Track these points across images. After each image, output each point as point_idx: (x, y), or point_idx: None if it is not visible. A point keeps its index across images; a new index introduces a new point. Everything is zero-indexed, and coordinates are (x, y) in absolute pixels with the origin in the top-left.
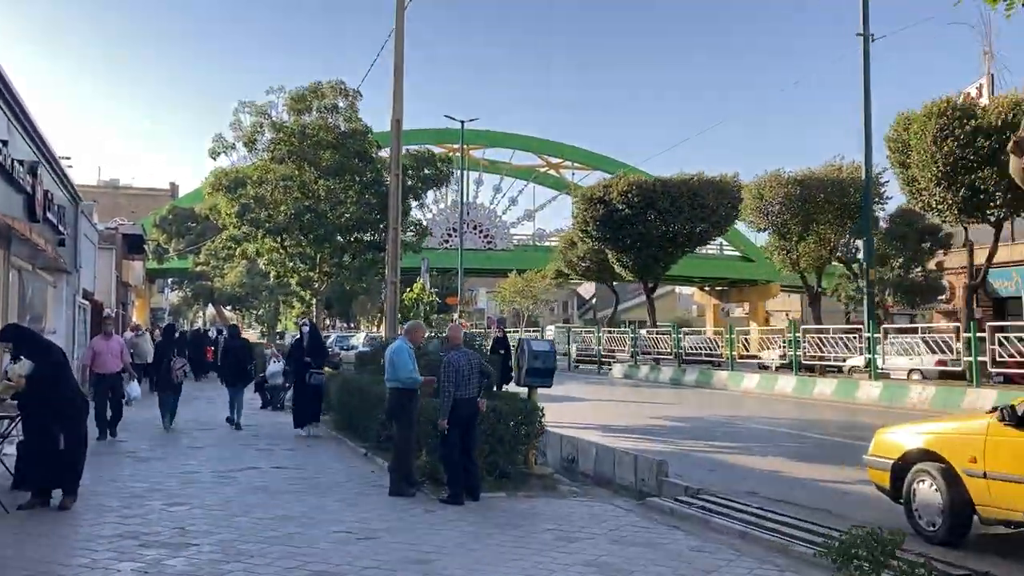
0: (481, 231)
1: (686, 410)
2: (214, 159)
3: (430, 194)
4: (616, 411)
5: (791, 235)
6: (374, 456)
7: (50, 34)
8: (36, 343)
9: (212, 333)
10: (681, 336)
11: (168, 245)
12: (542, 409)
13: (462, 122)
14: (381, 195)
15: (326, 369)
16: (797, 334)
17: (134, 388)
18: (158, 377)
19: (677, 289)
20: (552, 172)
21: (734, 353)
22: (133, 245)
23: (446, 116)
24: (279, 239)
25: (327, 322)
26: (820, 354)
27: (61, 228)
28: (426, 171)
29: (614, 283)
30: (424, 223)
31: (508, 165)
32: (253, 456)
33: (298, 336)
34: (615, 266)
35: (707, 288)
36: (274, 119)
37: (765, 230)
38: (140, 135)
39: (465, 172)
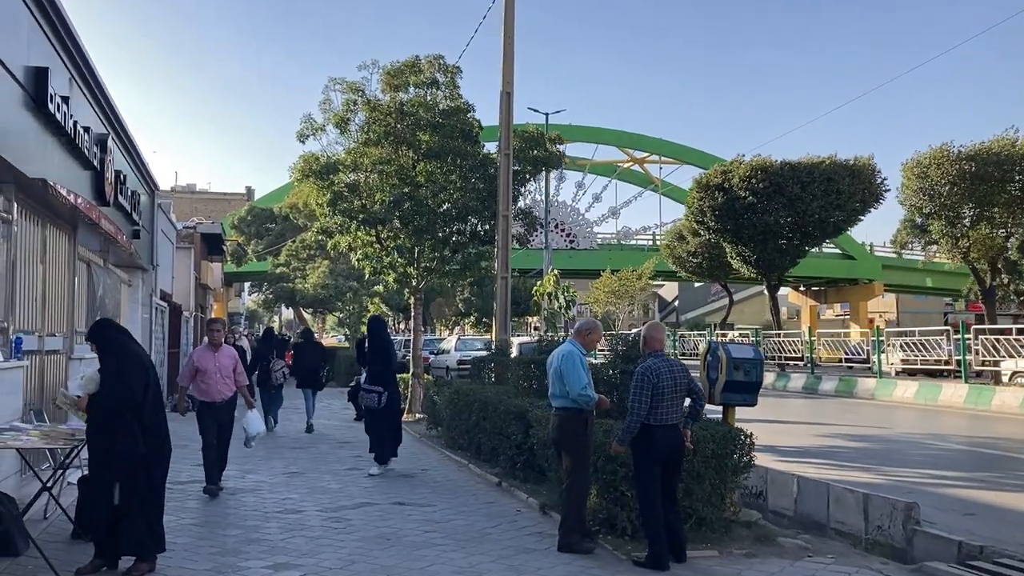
0: (563, 230)
1: (851, 425)
2: (302, 142)
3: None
4: (766, 427)
5: (961, 219)
6: (511, 487)
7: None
8: (125, 353)
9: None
10: (815, 339)
11: (247, 247)
12: (751, 435)
13: (546, 115)
14: (488, 179)
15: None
16: (967, 336)
17: (254, 421)
18: (258, 378)
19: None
20: (636, 167)
21: (882, 358)
22: (212, 246)
23: (530, 109)
24: (375, 230)
25: (400, 326)
26: (995, 358)
27: (135, 217)
28: (535, 152)
29: (727, 281)
30: (534, 212)
31: (589, 162)
32: (364, 486)
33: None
34: (733, 261)
35: (802, 288)
36: (368, 97)
37: (929, 215)
38: (217, 142)
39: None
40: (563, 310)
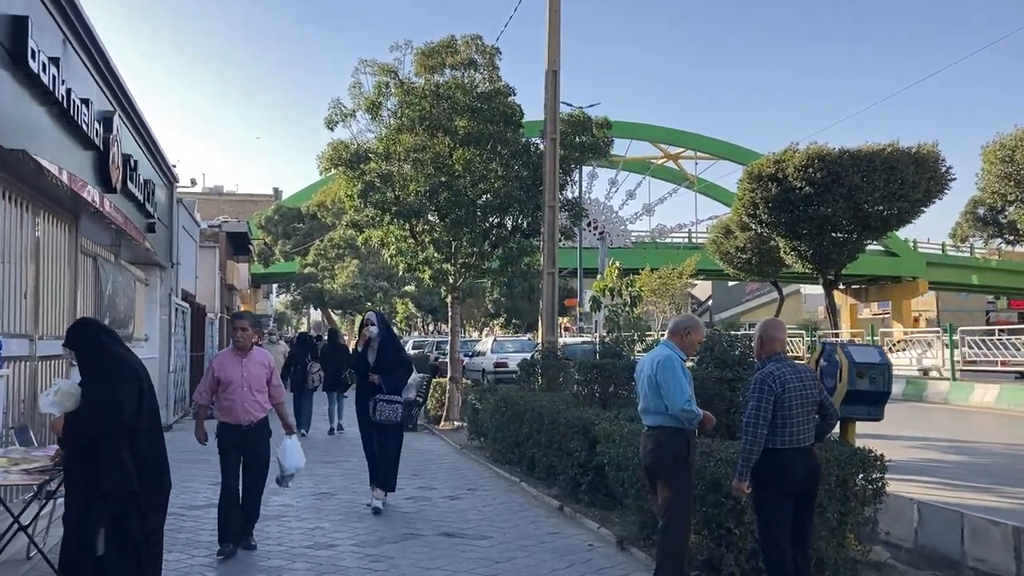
0: (595, 227)
1: (936, 435)
2: (331, 130)
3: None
4: None
5: None
6: (576, 513)
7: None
8: (112, 359)
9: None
10: (877, 339)
11: (274, 247)
12: (882, 456)
13: (580, 108)
14: (532, 167)
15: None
16: None
17: (293, 453)
18: (292, 380)
19: (803, 288)
20: (671, 164)
21: (956, 360)
22: (239, 246)
23: (563, 103)
24: (409, 224)
25: (430, 327)
26: None
27: (149, 209)
28: (581, 138)
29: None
30: (580, 203)
31: (622, 158)
32: (404, 512)
33: (366, 340)
34: (787, 256)
35: (842, 286)
36: (401, 79)
37: (1013, 203)
38: (245, 147)
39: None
40: (627, 308)
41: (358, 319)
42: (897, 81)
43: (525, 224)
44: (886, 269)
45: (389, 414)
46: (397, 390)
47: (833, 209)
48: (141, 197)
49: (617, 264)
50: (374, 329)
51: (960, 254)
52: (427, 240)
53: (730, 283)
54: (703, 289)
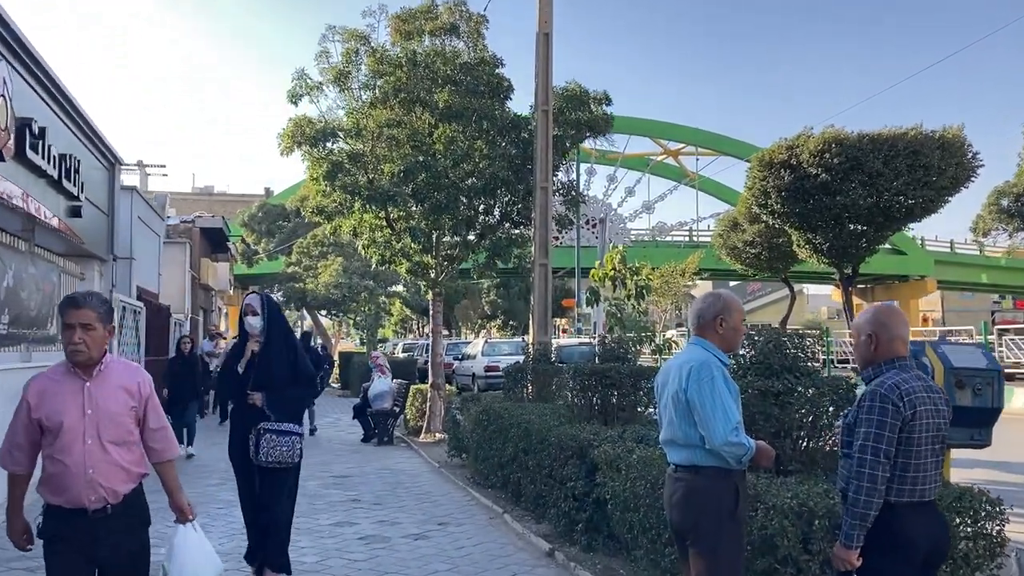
0: (593, 225)
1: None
2: (294, 104)
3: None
4: None
5: None
6: (570, 561)
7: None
8: None
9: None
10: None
11: (257, 246)
12: (998, 500)
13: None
14: (521, 145)
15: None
16: None
17: (190, 557)
18: None
19: (806, 288)
20: (671, 160)
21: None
22: (216, 243)
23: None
24: (383, 210)
25: (424, 330)
26: None
27: (71, 188)
28: (578, 114)
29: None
30: (577, 188)
31: (620, 155)
32: (352, 559)
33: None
34: (800, 250)
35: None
36: (373, 46)
37: None
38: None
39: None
40: (632, 301)
41: (343, 322)
42: (910, 67)
43: (515, 211)
44: (893, 268)
45: (281, 453)
46: (293, 416)
47: (851, 198)
48: (54, 172)
49: (619, 248)
50: (256, 321)
51: (969, 252)
52: (403, 227)
53: (731, 283)
54: (702, 289)
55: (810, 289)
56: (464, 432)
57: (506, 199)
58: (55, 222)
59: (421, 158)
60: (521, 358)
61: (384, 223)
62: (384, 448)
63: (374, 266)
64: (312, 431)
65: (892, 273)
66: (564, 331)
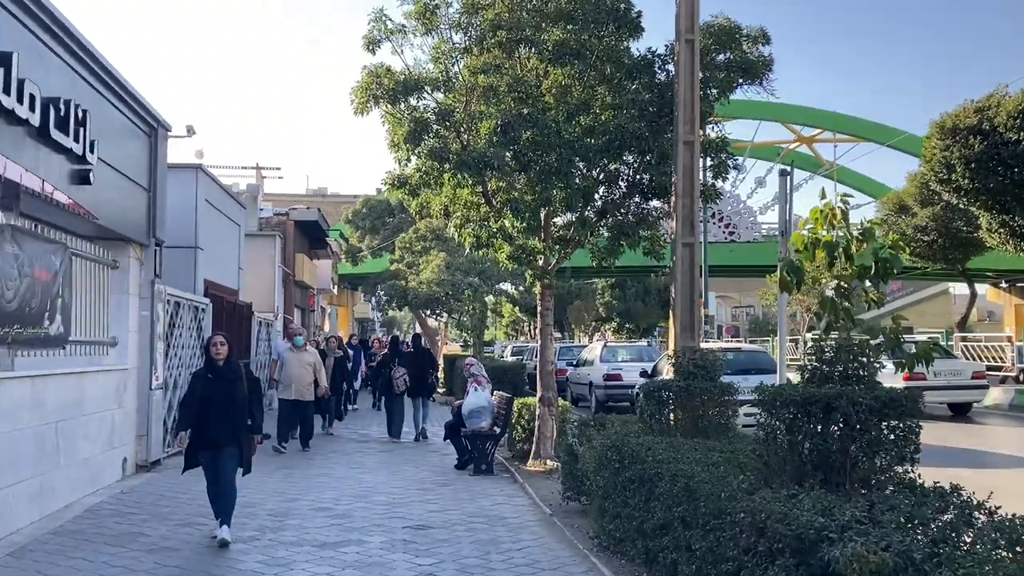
0: (721, 220)
1: None
2: (371, 52)
3: None
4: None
5: None
6: None
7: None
8: None
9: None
10: None
11: (361, 243)
12: None
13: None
14: (657, 91)
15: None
16: None
17: None
18: (381, 388)
19: (951, 288)
20: (805, 149)
21: None
22: (314, 239)
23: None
24: (478, 180)
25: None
26: None
27: (68, 144)
28: (728, 55)
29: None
30: (727, 146)
31: (749, 143)
32: None
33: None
34: (990, 236)
35: (1004, 285)
36: None
37: None
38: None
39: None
40: (862, 279)
41: (449, 322)
42: None
43: (647, 179)
44: None
45: None
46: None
47: None
48: (30, 116)
49: (827, 203)
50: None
51: None
52: (503, 199)
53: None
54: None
55: (956, 289)
56: (584, 468)
57: (635, 163)
58: (40, 186)
59: (526, 111)
60: (649, 367)
61: (480, 198)
62: (481, 479)
63: (467, 250)
64: (421, 435)
65: None
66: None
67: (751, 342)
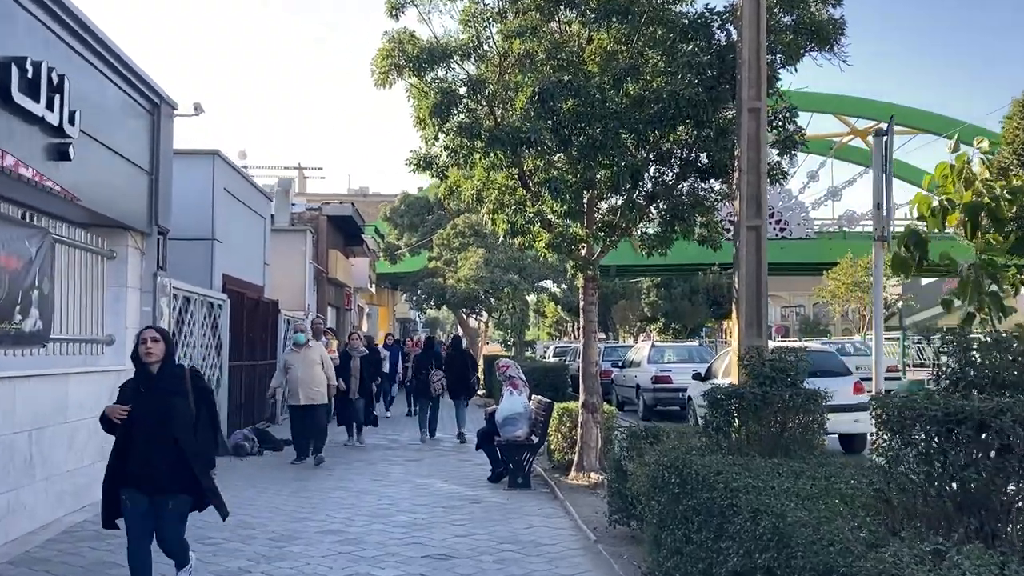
0: (771, 215)
1: None
2: (395, 18)
3: None
4: None
5: None
6: None
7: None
8: None
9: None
10: None
11: (399, 241)
12: None
13: None
14: (717, 53)
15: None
16: None
17: None
18: (416, 388)
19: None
20: (859, 143)
21: None
22: (350, 236)
23: None
24: (512, 159)
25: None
26: None
27: (48, 116)
28: (794, 15)
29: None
30: (795, 115)
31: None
32: None
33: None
34: None
35: None
36: None
37: None
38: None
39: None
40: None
41: (489, 321)
42: None
43: (703, 157)
44: None
45: None
46: None
47: None
48: (27, 91)
49: (982, 147)
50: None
51: None
52: (540, 179)
53: (923, 280)
54: (895, 288)
55: None
56: (635, 488)
57: (690, 139)
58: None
59: (566, 78)
60: (702, 368)
61: (516, 180)
62: (517, 494)
63: (501, 237)
64: (459, 438)
65: None
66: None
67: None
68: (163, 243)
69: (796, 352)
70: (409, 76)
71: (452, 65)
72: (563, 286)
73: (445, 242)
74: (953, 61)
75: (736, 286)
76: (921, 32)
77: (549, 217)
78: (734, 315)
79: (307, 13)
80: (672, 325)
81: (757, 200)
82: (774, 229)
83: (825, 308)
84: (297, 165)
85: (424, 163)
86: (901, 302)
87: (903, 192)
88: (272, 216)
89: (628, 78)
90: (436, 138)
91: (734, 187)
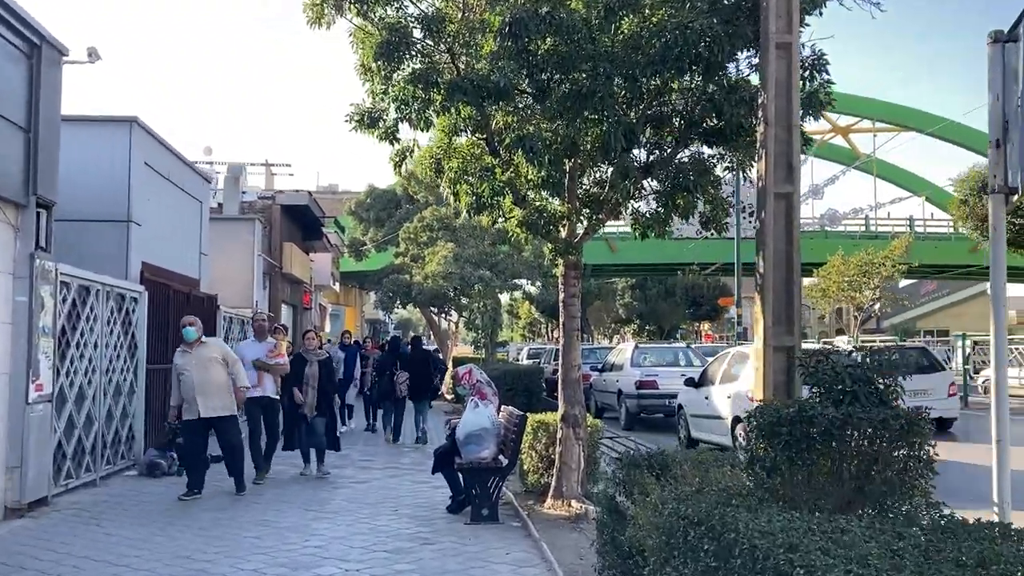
0: (752, 213)
1: None
2: None
3: None
4: None
5: None
6: None
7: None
8: None
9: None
10: None
11: (365, 237)
12: None
13: None
14: None
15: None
16: None
17: None
18: (379, 389)
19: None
20: (840, 141)
21: None
22: (309, 228)
23: None
24: (478, 114)
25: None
26: None
27: None
28: None
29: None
30: (824, 62)
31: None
32: None
33: None
34: None
35: None
36: None
37: None
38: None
39: None
40: None
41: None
42: None
43: (714, 117)
44: None
45: None
46: None
47: None
48: None
49: None
50: None
51: None
52: (513, 141)
53: (901, 283)
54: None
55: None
56: (637, 538)
57: (697, 85)
58: None
59: (545, 9)
60: (695, 373)
61: (483, 147)
62: (481, 530)
63: (464, 212)
64: (421, 437)
65: None
66: (708, 336)
67: None
68: (47, 218)
69: (887, 353)
70: (352, 11)
71: (405, 0)
72: (538, 284)
73: (412, 236)
74: (937, 57)
75: (759, 269)
76: (906, 28)
77: (523, 192)
78: (756, 307)
79: (262, 9)
80: (647, 326)
81: (788, 160)
82: (755, 227)
83: (810, 310)
84: (264, 161)
85: (369, 119)
86: (877, 304)
87: (890, 189)
88: (220, 205)
89: (622, 11)
90: (385, 91)
91: (760, 142)
